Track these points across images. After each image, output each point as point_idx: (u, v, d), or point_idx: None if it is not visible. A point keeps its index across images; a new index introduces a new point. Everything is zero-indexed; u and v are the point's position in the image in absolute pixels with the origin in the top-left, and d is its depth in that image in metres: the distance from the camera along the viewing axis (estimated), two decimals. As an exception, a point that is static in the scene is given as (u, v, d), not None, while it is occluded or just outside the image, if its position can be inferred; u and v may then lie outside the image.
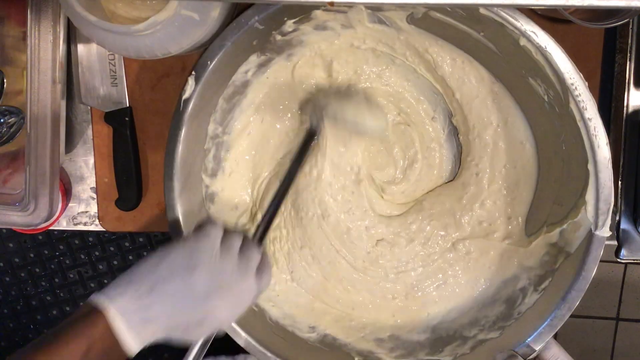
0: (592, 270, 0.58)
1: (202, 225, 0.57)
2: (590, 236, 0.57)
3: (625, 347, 1.58)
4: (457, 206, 0.69)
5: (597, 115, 0.55)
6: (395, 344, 0.69)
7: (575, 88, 0.55)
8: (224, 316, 0.53)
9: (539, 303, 0.62)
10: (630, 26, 0.64)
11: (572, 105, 0.55)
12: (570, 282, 0.58)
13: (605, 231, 0.56)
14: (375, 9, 0.61)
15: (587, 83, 0.55)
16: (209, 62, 0.60)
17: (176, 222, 0.63)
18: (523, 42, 0.55)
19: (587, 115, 0.55)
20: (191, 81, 0.61)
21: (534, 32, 0.54)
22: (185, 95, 0.61)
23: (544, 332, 0.59)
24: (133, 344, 0.48)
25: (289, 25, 0.62)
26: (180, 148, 0.62)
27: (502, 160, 0.67)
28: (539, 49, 0.55)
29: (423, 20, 0.62)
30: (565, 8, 0.59)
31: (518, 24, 0.54)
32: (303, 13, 0.61)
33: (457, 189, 0.70)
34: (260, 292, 0.58)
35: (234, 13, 0.61)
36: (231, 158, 0.69)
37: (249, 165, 0.70)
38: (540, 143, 0.65)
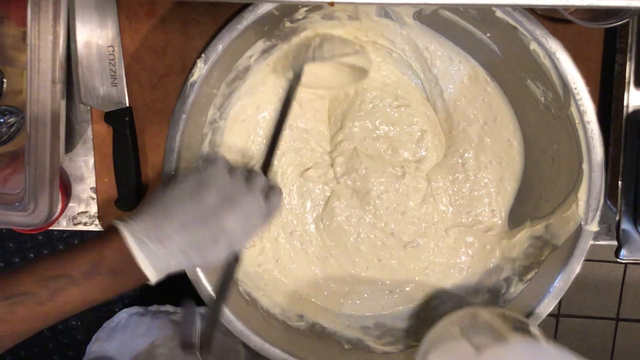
0: (579, 262, 0.61)
1: (207, 159, 0.58)
2: (579, 230, 0.61)
3: (625, 347, 1.58)
4: (451, 188, 0.71)
5: (595, 118, 0.58)
6: (381, 331, 0.70)
7: (578, 92, 0.58)
8: (236, 231, 0.53)
9: (526, 292, 0.65)
10: (630, 26, 0.64)
11: (573, 108, 0.58)
12: (558, 273, 0.62)
13: (594, 225, 0.60)
14: (379, 7, 0.62)
15: (588, 87, 0.58)
16: (220, 45, 0.60)
17: None
18: (533, 46, 0.58)
19: (586, 118, 0.58)
20: (200, 63, 0.61)
21: (545, 38, 0.57)
22: (193, 78, 0.61)
23: (531, 320, 0.62)
24: (148, 263, 0.49)
25: (301, 12, 0.62)
26: (180, 134, 0.62)
27: (487, 155, 0.69)
28: (548, 53, 0.57)
29: (430, 17, 0.63)
30: (565, 8, 0.59)
31: (531, 29, 0.57)
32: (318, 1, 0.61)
33: (449, 173, 0.71)
34: (271, 214, 0.58)
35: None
36: (225, 144, 0.69)
37: (240, 151, 0.70)
38: (529, 142, 0.67)
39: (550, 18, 0.65)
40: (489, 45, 0.62)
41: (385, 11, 0.64)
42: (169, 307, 0.86)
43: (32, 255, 1.51)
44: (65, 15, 0.63)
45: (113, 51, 0.68)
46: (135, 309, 0.86)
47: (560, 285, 0.61)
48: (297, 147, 0.71)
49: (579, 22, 0.59)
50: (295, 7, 0.61)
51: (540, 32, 0.57)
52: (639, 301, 1.56)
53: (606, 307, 1.55)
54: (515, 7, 0.56)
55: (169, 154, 0.62)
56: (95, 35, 0.67)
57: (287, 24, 0.63)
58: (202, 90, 0.62)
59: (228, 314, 0.63)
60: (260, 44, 0.64)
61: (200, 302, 0.64)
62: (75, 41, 0.66)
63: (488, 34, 0.61)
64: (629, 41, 0.64)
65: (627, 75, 0.64)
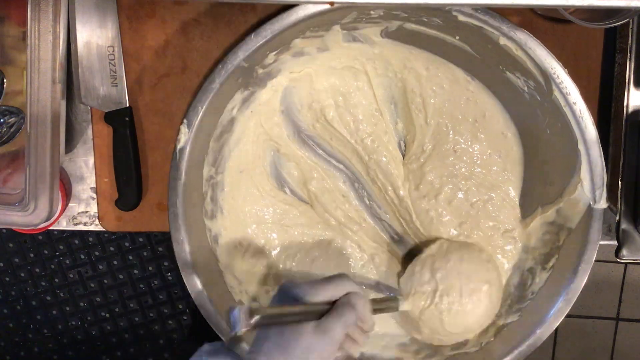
0: (596, 241, 0.62)
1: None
2: (589, 210, 0.61)
3: (625, 347, 1.58)
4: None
5: (580, 98, 0.58)
6: (419, 345, 0.69)
7: (558, 76, 0.58)
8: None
9: (551, 280, 0.65)
10: (630, 26, 0.64)
11: (556, 92, 0.59)
12: (578, 256, 0.62)
13: (602, 203, 0.61)
14: (378, 8, 0.61)
15: (566, 70, 0.58)
16: (199, 107, 0.61)
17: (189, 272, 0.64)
18: (503, 41, 0.58)
19: (571, 99, 0.59)
20: (184, 129, 0.62)
21: (513, 31, 0.57)
22: (180, 145, 0.62)
23: (562, 307, 0.62)
24: None
25: (270, 57, 0.63)
26: (181, 198, 0.63)
27: (484, 149, 0.69)
28: (519, 45, 0.58)
29: (397, 32, 0.63)
30: (565, 8, 0.59)
31: (496, 25, 0.57)
32: (283, 44, 0.62)
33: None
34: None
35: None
36: (227, 197, 0.69)
37: (246, 200, 0.70)
38: (523, 131, 0.68)
39: (550, 18, 0.65)
40: (461, 47, 0.63)
41: (352, 36, 0.64)
42: None
43: (32, 255, 1.51)
44: (65, 15, 0.63)
45: (113, 51, 0.68)
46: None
47: (583, 267, 0.62)
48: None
49: (579, 22, 0.59)
50: (263, 54, 0.62)
51: (507, 27, 0.57)
52: (639, 301, 1.56)
53: (606, 307, 1.55)
54: (518, 7, 0.57)
55: (173, 220, 0.63)
56: (95, 35, 0.67)
57: (260, 71, 0.64)
58: (192, 153, 0.63)
59: None
60: (239, 96, 0.65)
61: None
62: (75, 41, 0.67)
63: (457, 37, 0.62)
64: (629, 41, 0.64)
65: (627, 75, 0.64)
